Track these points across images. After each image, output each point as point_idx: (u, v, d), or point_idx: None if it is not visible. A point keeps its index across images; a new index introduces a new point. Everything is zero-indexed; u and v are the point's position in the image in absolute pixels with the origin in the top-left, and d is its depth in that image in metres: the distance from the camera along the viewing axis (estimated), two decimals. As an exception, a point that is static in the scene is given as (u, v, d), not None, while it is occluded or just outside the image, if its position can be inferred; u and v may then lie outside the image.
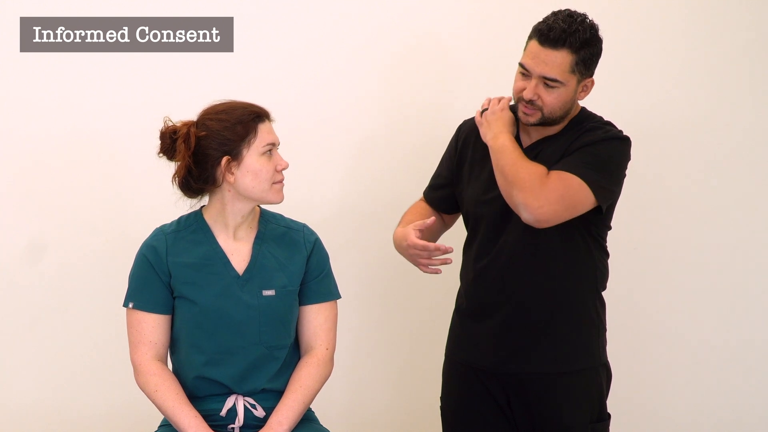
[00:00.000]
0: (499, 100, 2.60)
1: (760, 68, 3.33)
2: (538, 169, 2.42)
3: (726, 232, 3.37)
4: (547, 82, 2.44)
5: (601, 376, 2.61)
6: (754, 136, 3.35)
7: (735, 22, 3.30)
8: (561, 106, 2.47)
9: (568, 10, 2.47)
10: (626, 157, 2.54)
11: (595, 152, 2.46)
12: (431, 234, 2.70)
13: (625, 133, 2.54)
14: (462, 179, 2.67)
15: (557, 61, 2.42)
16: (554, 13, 2.47)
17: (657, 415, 3.43)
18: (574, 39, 2.41)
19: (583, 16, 2.46)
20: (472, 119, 2.70)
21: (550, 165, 2.48)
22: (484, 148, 2.61)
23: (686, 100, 3.32)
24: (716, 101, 3.33)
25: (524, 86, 2.48)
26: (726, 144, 3.34)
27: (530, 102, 2.47)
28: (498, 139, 2.49)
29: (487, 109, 2.59)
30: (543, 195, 2.39)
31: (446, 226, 2.80)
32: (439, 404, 2.73)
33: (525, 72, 2.47)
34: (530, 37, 2.48)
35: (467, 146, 2.67)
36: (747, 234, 3.37)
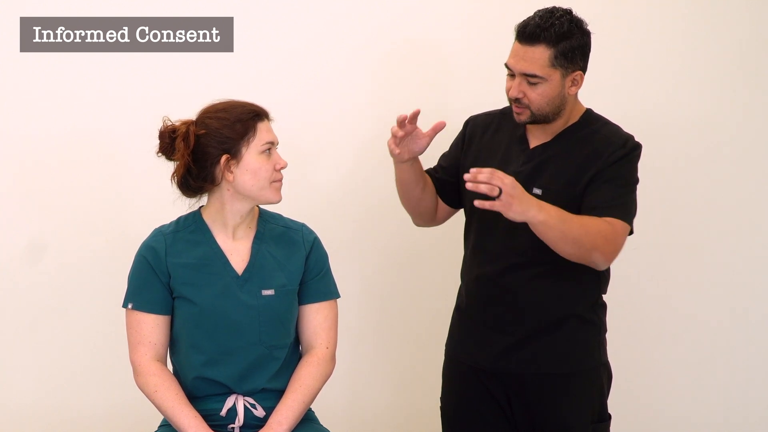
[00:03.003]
0: (490, 172, 2.33)
1: (760, 68, 3.33)
2: (602, 225, 2.43)
3: (726, 231, 3.36)
4: (529, 78, 2.44)
5: (602, 376, 2.60)
6: (755, 136, 3.34)
7: (735, 22, 3.30)
8: (548, 102, 2.46)
9: (553, 7, 2.47)
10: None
11: (626, 182, 2.48)
12: (416, 177, 2.63)
13: (635, 138, 2.53)
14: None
15: (535, 56, 2.42)
16: (537, 11, 2.47)
17: (657, 416, 3.42)
18: (549, 33, 2.41)
19: (564, 11, 2.45)
20: (480, 114, 2.70)
21: (559, 170, 2.49)
22: (489, 146, 2.61)
23: (686, 100, 3.32)
24: (716, 101, 3.32)
25: (512, 85, 2.48)
26: (726, 144, 3.34)
27: (517, 100, 2.47)
28: (543, 210, 2.36)
29: (500, 192, 2.31)
30: (616, 250, 2.47)
31: (435, 212, 2.72)
32: (439, 404, 2.74)
33: (510, 71, 2.48)
34: (515, 37, 2.49)
35: (472, 143, 2.66)
36: (748, 234, 3.37)
